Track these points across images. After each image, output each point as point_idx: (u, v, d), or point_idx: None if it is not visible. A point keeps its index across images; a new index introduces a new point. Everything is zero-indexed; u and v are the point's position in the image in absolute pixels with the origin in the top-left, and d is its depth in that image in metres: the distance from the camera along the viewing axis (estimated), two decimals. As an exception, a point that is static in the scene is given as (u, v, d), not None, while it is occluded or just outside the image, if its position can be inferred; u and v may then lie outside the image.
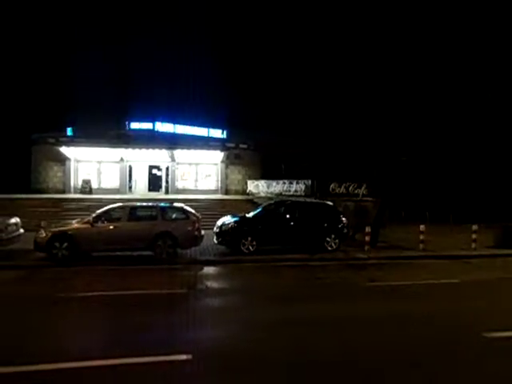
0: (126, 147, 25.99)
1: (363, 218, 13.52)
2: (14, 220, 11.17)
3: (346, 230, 12.65)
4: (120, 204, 11.70)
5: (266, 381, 4.29)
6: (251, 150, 29.28)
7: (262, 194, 24.30)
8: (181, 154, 27.18)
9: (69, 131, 27.09)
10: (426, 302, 7.40)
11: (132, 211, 11.14)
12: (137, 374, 4.34)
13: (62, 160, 26.63)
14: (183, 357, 4.63)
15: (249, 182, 27.61)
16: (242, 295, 7.93)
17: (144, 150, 26.34)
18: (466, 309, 6.95)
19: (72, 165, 26.96)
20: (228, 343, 5.23)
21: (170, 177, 27.97)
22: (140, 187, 28.07)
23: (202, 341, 5.29)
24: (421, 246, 12.64)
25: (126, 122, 27.98)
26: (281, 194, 22.27)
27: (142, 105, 30.32)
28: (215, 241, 11.98)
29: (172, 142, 26.38)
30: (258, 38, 38.96)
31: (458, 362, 4.81)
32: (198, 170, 28.88)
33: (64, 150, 25.81)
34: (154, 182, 28.44)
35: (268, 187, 24.39)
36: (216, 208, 19.47)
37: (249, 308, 7.02)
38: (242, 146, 29.10)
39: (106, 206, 11.58)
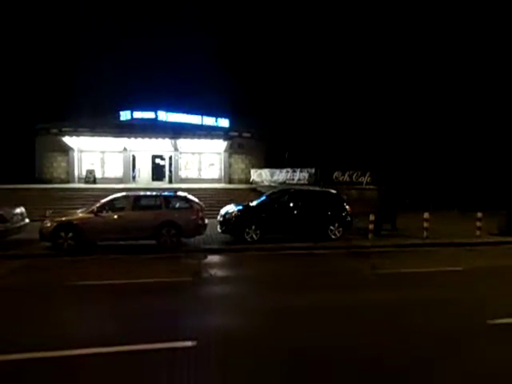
0: (129, 137, 26.02)
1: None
2: (19, 210, 11.25)
3: (349, 219, 12.64)
4: (124, 193, 11.72)
5: (269, 367, 4.32)
6: (254, 138, 29.17)
7: (266, 183, 24.26)
8: (184, 143, 27.18)
9: (70, 121, 27.07)
10: (429, 289, 7.40)
11: (136, 201, 11.17)
12: (142, 360, 4.39)
13: (66, 150, 26.69)
14: (188, 343, 4.69)
15: (252, 171, 27.55)
16: (245, 283, 7.97)
17: (147, 140, 26.40)
18: (470, 296, 6.96)
19: (76, 155, 27.02)
20: (232, 330, 5.28)
21: (173, 166, 27.97)
22: (143, 177, 28.13)
23: (206, 328, 5.34)
24: (425, 233, 12.60)
25: (129, 112, 27.92)
26: (284, 183, 22.22)
27: (145, 94, 30.24)
28: (219, 229, 12.01)
29: (175, 131, 26.36)
30: (261, 26, 38.49)
31: (461, 349, 4.83)
32: (201, 159, 28.85)
33: (67, 140, 25.87)
34: (158, 172, 28.48)
35: (271, 176, 24.34)
36: (219, 197, 19.49)
37: (252, 296, 7.06)
38: (245, 134, 29.00)
39: (109, 195, 11.60)
